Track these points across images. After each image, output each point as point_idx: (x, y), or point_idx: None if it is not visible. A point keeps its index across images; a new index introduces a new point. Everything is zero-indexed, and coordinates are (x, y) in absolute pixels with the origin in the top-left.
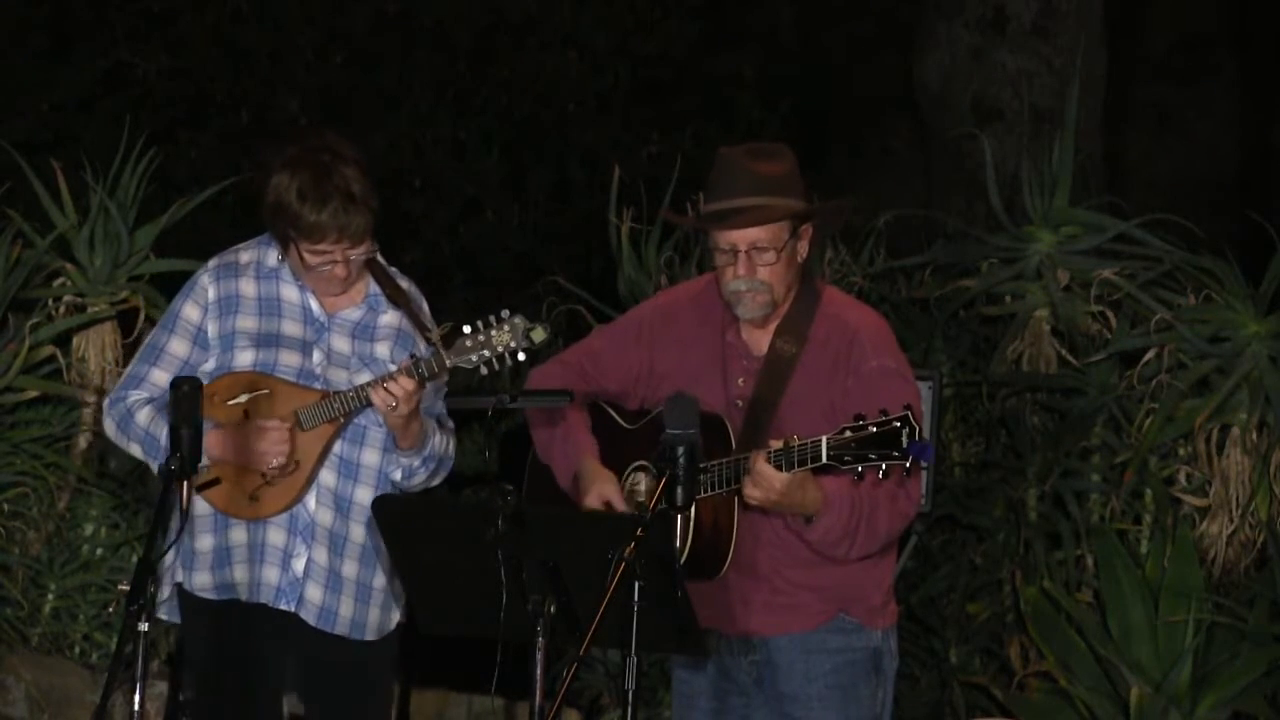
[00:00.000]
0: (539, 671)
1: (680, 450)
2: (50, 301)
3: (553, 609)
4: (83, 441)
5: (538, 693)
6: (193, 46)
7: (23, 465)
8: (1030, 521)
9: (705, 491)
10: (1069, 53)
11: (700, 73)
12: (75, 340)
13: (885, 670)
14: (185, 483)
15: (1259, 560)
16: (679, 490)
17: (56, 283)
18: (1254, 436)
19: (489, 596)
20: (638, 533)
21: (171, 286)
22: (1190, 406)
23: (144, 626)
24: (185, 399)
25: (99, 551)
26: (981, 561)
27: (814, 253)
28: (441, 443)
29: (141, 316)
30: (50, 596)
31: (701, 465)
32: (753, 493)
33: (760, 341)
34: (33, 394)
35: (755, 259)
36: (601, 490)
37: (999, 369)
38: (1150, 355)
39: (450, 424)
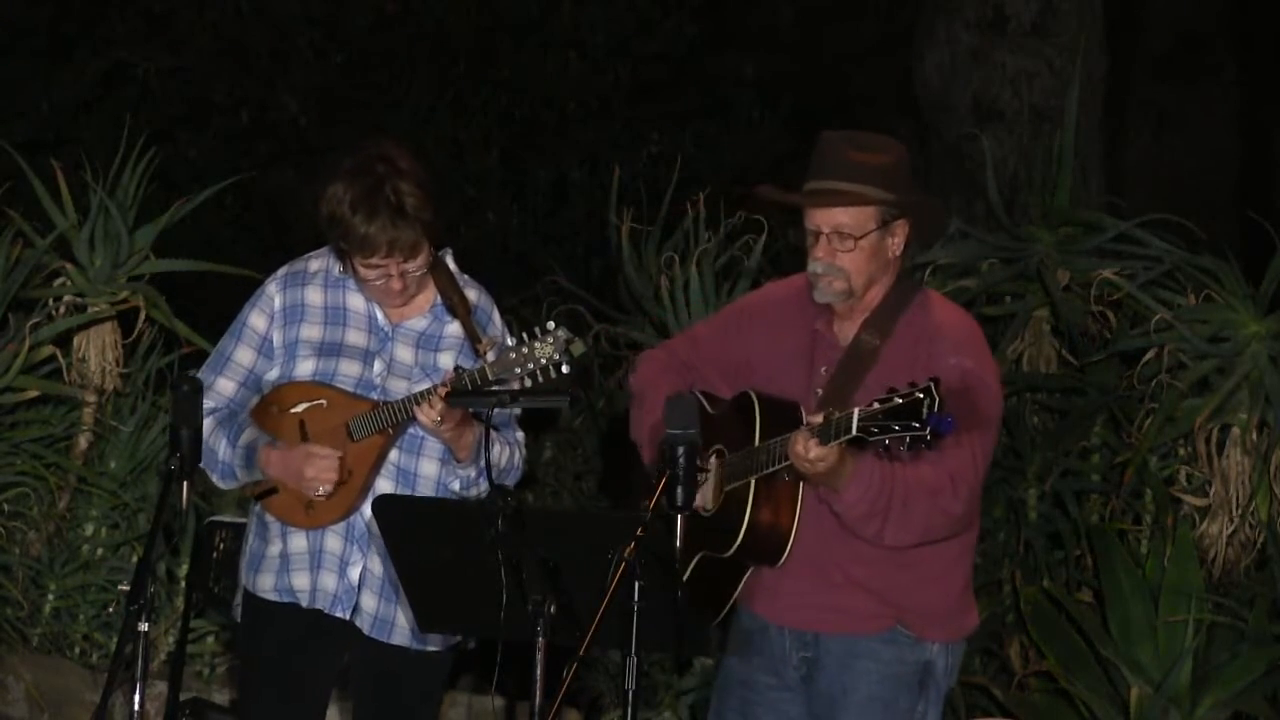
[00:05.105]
0: (539, 671)
1: (680, 450)
2: (50, 301)
3: (553, 609)
4: (83, 441)
5: (538, 693)
6: (193, 46)
7: (23, 465)
8: (1030, 521)
9: (761, 470)
10: (1069, 53)
11: (700, 73)
12: (75, 340)
13: (931, 685)
14: (186, 484)
15: (1259, 560)
16: (679, 490)
17: (56, 283)
18: (1254, 436)
19: (489, 596)
20: (638, 533)
21: (172, 287)
22: (1190, 406)
23: (144, 626)
24: (185, 400)
25: (99, 551)
26: (981, 561)
27: (909, 251)
28: (500, 454)
29: (142, 316)
30: (50, 596)
31: (759, 445)
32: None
33: (848, 332)
34: (33, 394)
35: (835, 244)
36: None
37: (999, 369)
38: (1150, 355)
39: (514, 435)
